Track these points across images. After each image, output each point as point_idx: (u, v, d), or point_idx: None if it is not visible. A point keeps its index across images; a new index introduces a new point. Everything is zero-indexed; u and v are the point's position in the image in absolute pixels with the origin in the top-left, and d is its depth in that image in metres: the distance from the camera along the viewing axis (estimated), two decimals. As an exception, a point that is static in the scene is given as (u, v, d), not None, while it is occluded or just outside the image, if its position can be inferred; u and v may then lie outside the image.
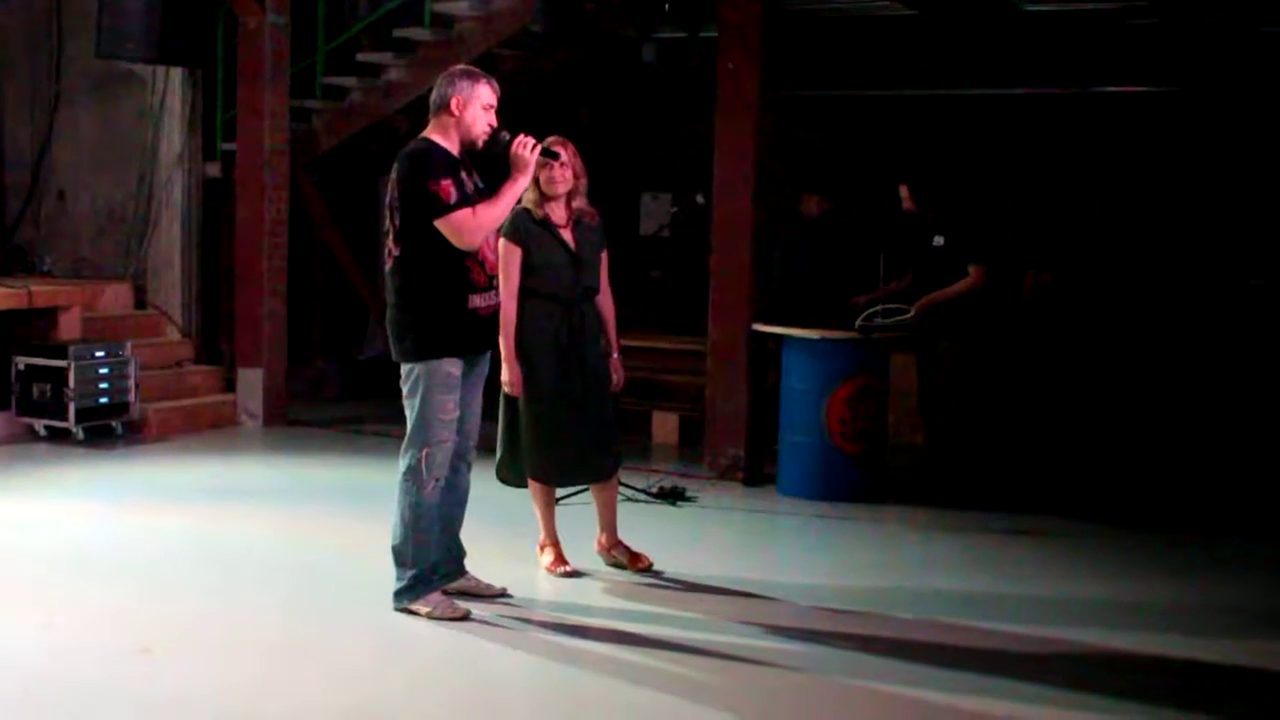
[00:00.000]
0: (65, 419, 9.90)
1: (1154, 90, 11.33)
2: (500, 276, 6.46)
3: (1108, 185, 11.52)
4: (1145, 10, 10.73)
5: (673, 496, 8.60)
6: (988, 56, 11.68)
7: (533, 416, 6.66)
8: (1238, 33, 10.88)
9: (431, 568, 6.03)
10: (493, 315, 6.08)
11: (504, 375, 6.55)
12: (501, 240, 6.52)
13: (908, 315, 8.69)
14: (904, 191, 9.03)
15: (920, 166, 9.77)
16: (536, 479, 6.81)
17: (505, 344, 6.51)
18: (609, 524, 6.96)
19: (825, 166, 12.07)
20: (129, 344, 10.42)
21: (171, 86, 11.64)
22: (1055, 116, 11.64)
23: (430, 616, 5.93)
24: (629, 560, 6.91)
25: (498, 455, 6.86)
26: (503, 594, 6.28)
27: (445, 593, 6.10)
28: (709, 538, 7.90)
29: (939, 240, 8.85)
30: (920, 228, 9.00)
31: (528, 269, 6.58)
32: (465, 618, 5.95)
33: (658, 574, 6.84)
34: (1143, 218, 11.36)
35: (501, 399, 6.74)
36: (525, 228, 6.59)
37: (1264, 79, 10.93)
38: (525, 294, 6.59)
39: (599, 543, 7.00)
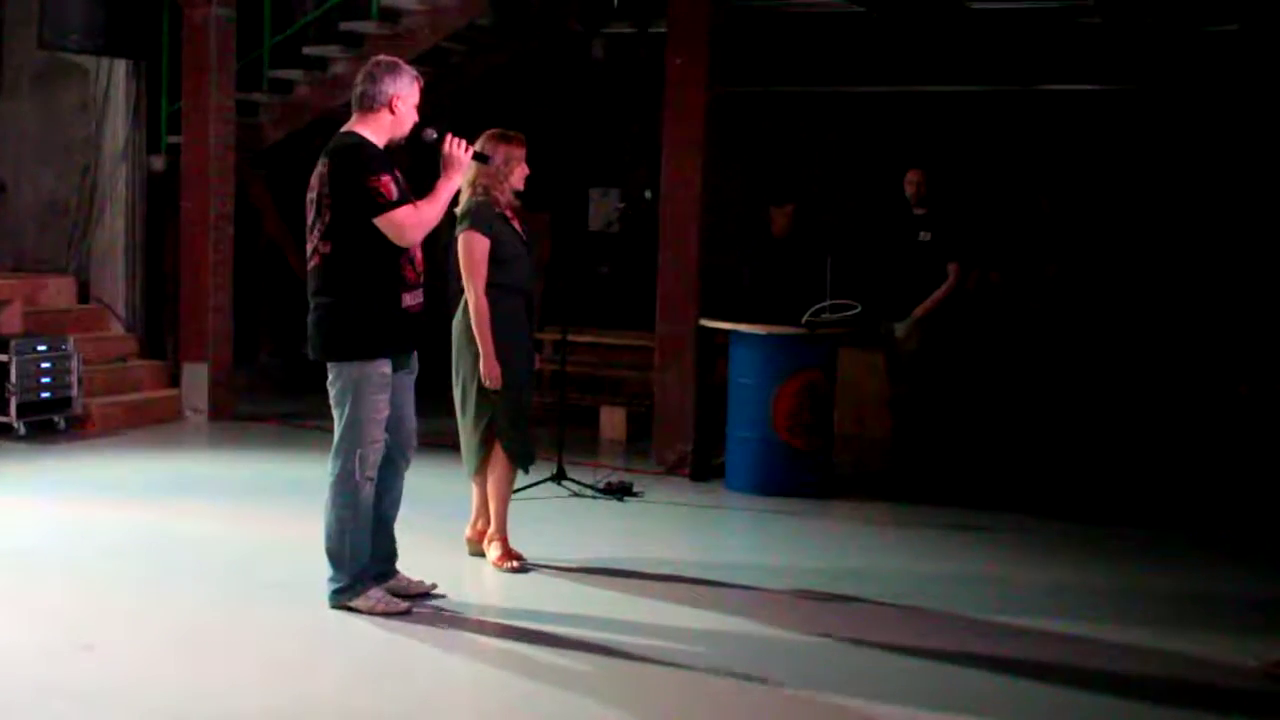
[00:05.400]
0: (6, 413, 9.79)
1: (1100, 88, 11.42)
2: (466, 270, 6.49)
3: (1054, 183, 11.60)
4: (1091, 9, 10.83)
5: (620, 492, 8.59)
6: (934, 54, 11.74)
7: (512, 407, 6.65)
8: (1182, 32, 10.98)
9: (366, 566, 5.98)
10: (423, 313, 5.96)
11: (485, 370, 6.50)
12: (468, 233, 6.50)
13: (855, 311, 8.73)
14: (916, 177, 9.04)
15: (932, 157, 9.81)
16: (522, 467, 6.85)
17: (484, 339, 6.49)
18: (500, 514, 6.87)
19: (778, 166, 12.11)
20: (72, 338, 10.31)
21: (115, 78, 11.53)
22: (1001, 114, 11.71)
23: (371, 612, 5.88)
24: (500, 558, 6.81)
25: (514, 445, 6.70)
26: (432, 590, 6.21)
27: None
28: (655, 533, 7.89)
29: (925, 235, 8.93)
30: (908, 222, 9.05)
31: (495, 262, 6.55)
32: (406, 613, 5.92)
33: (605, 569, 6.82)
34: (1089, 215, 11.45)
35: (472, 394, 6.65)
36: (489, 220, 6.57)
37: (1208, 78, 11.03)
38: (494, 287, 6.55)
39: (475, 529, 6.96)
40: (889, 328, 9.06)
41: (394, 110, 5.81)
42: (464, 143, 5.94)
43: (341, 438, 5.85)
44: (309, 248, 5.87)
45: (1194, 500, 9.16)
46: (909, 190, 9.09)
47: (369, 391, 5.78)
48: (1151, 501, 9.10)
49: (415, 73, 5.93)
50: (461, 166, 5.93)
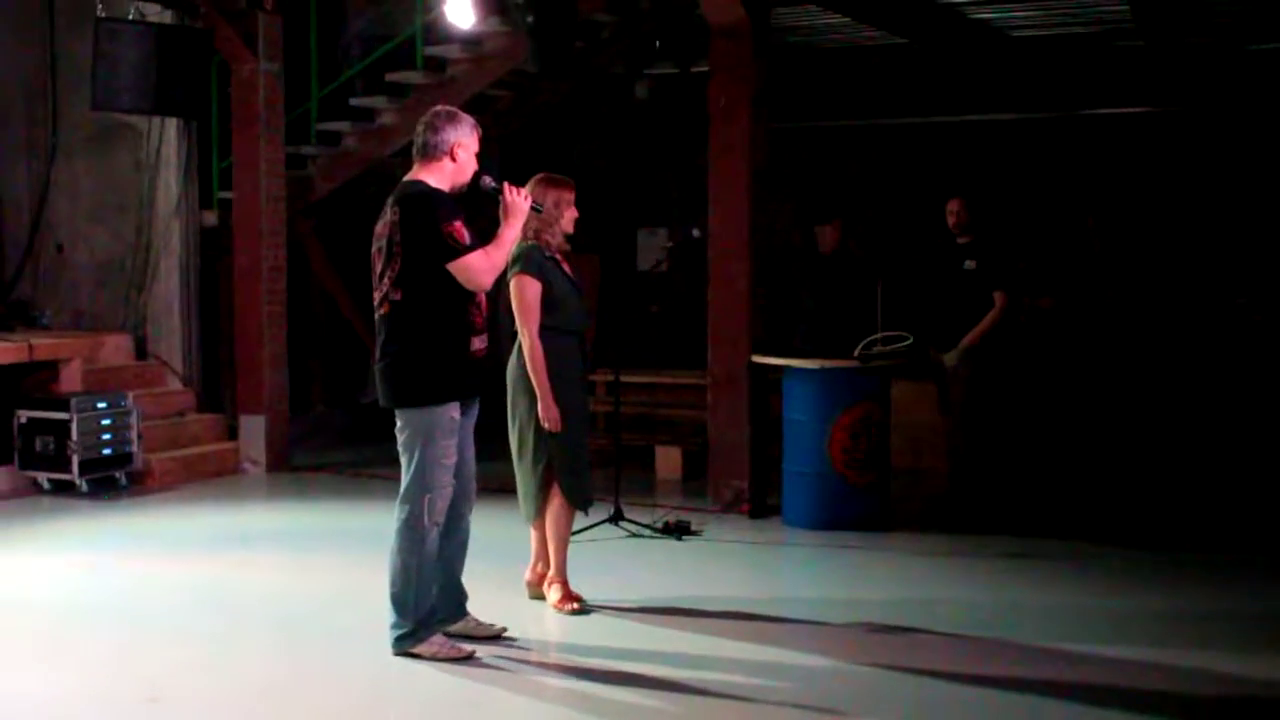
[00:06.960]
0: (68, 471, 9.90)
1: (1143, 111, 11.38)
2: (520, 314, 6.56)
3: (1099, 208, 11.55)
4: (1132, 32, 10.80)
5: (678, 531, 8.59)
6: (977, 82, 11.74)
7: (569, 449, 6.68)
8: (1224, 51, 10.94)
9: (431, 611, 6.00)
10: (487, 358, 6.02)
11: (543, 413, 6.54)
12: (519, 277, 6.55)
13: (907, 343, 8.71)
14: (956, 206, 9.03)
15: (978, 186, 9.80)
16: (581, 508, 6.85)
17: (541, 382, 6.52)
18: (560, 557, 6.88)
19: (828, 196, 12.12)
20: (130, 395, 10.43)
21: (167, 137, 11.67)
22: (1046, 141, 11.68)
23: (435, 658, 5.90)
24: (560, 600, 6.82)
25: (572, 487, 6.73)
26: (502, 634, 6.26)
27: (446, 635, 6.08)
28: (715, 571, 7.88)
29: (970, 264, 8.91)
30: (952, 252, 9.04)
31: (546, 304, 6.60)
32: (469, 658, 5.93)
33: (666, 608, 6.82)
34: (1136, 240, 11.39)
35: (529, 437, 6.68)
36: (540, 263, 6.62)
37: (1252, 96, 10.97)
38: (546, 330, 6.59)
39: (535, 572, 6.97)
40: (939, 358, 9.04)
41: (455, 158, 5.91)
42: (524, 191, 6.04)
43: (410, 483, 5.89)
44: (378, 296, 5.91)
45: (1257, 526, 9.04)
46: (950, 220, 9.08)
47: (438, 437, 5.83)
48: (1213, 526, 9.00)
49: (474, 121, 6.02)
50: (522, 214, 6.02)
